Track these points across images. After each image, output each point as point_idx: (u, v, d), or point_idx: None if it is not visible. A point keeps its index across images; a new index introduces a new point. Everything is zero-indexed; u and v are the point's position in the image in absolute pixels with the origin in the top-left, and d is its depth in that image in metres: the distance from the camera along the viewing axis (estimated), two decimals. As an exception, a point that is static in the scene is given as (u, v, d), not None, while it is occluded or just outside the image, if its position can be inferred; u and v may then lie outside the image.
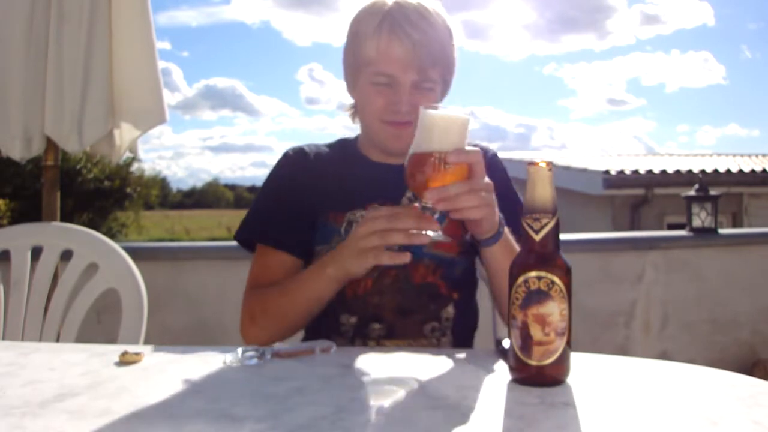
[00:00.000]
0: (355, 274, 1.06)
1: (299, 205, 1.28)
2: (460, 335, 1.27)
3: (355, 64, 1.25)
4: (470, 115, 0.99)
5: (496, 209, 1.06)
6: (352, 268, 1.05)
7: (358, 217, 1.24)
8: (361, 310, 1.23)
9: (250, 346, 0.99)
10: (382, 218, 1.00)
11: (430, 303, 1.24)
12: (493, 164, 1.29)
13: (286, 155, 1.35)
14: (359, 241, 1.02)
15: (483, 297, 1.46)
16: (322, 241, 1.26)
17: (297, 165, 1.33)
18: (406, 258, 1.01)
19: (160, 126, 2.33)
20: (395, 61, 1.18)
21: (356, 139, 1.38)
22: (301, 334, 1.38)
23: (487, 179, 1.02)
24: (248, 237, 1.31)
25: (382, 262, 1.02)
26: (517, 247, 1.09)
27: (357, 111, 1.33)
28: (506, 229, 1.13)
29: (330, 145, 1.38)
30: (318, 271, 1.13)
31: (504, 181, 1.30)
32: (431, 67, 1.20)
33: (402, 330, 1.22)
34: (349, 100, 1.35)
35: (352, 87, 1.30)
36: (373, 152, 1.33)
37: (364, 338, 1.23)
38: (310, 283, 1.15)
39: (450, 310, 1.25)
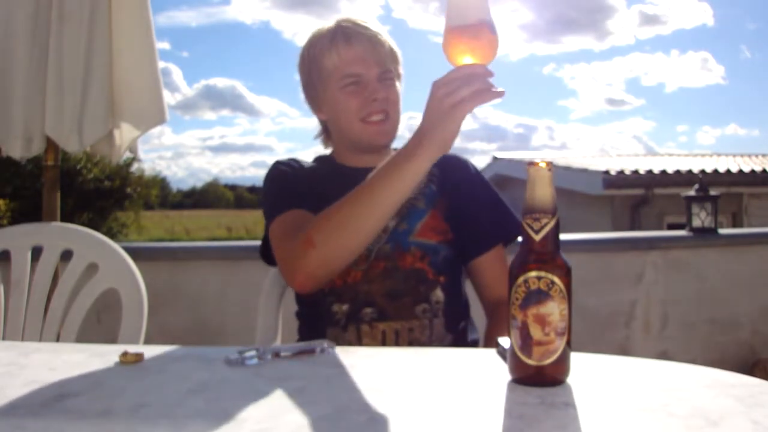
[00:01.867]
0: (452, 137, 1.01)
1: (302, 188, 1.33)
2: (451, 318, 1.30)
3: (320, 81, 1.34)
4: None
5: None
6: (447, 130, 1.00)
7: None
8: (352, 298, 1.26)
9: (250, 346, 0.98)
10: (457, 80, 0.97)
11: (419, 285, 1.28)
12: (466, 171, 1.41)
13: (277, 163, 1.41)
14: (444, 100, 0.98)
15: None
16: None
17: (289, 167, 1.39)
18: (500, 94, 0.98)
19: (160, 126, 2.34)
20: (357, 60, 1.30)
21: (330, 154, 1.46)
22: (297, 335, 1.39)
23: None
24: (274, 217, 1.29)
25: (482, 103, 0.97)
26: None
27: (328, 130, 1.42)
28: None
29: (311, 161, 1.46)
30: (399, 161, 1.06)
31: (477, 182, 1.42)
32: (389, 59, 1.34)
33: (394, 312, 1.26)
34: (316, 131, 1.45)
35: (320, 106, 1.38)
36: (350, 158, 1.39)
37: (357, 322, 1.25)
38: (394, 173, 1.06)
39: (439, 294, 1.28)
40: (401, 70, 1.39)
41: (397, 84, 1.36)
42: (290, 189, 1.34)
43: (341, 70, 1.30)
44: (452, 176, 1.38)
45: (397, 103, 1.35)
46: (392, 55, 1.36)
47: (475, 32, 1.00)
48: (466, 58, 1.01)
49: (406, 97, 1.41)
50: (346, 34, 1.31)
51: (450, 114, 0.98)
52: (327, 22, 1.38)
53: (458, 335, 1.31)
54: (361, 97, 1.30)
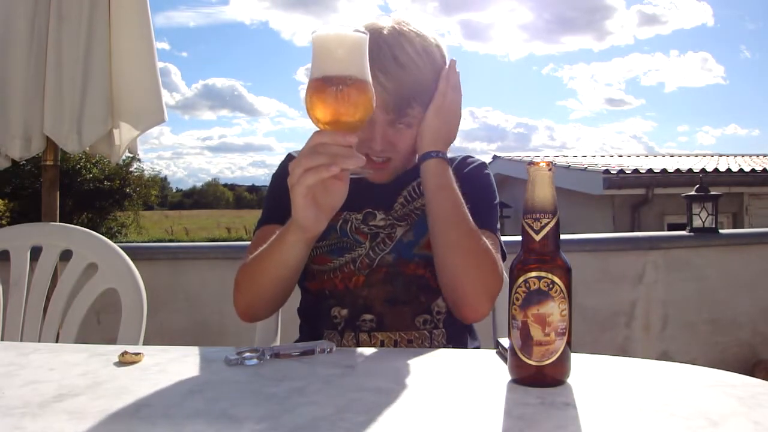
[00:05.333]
0: (304, 221, 0.98)
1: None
2: (452, 330, 1.28)
3: None
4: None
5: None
6: (298, 215, 0.97)
7: (352, 218, 1.26)
8: (351, 303, 1.25)
9: (250, 346, 0.98)
10: (301, 158, 0.92)
11: (420, 294, 1.25)
12: (474, 177, 1.34)
13: (288, 155, 1.39)
14: (293, 189, 0.95)
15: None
16: (319, 238, 1.27)
17: None
18: (356, 162, 0.91)
19: (159, 126, 2.34)
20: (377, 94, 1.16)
21: None
22: (298, 335, 1.39)
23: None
24: (257, 228, 1.31)
25: (324, 177, 0.91)
26: (452, 184, 1.16)
27: None
28: (445, 164, 1.18)
29: None
30: (280, 234, 1.07)
31: (479, 189, 1.32)
32: (408, 106, 1.18)
33: (393, 321, 1.24)
34: None
35: None
36: None
37: (356, 330, 1.24)
38: (275, 245, 1.08)
39: (441, 304, 1.26)
40: (430, 96, 1.21)
41: (415, 126, 1.21)
42: (277, 200, 1.28)
43: None
44: (464, 185, 1.28)
45: (409, 146, 1.24)
46: (420, 94, 1.19)
47: (324, 89, 0.90)
48: (320, 118, 0.92)
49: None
50: (393, 56, 1.16)
51: (292, 190, 0.94)
52: (363, 23, 1.20)
53: (459, 346, 1.29)
54: (363, 137, 1.18)
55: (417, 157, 1.26)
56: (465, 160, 1.39)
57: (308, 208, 0.96)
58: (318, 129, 0.94)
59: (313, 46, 0.94)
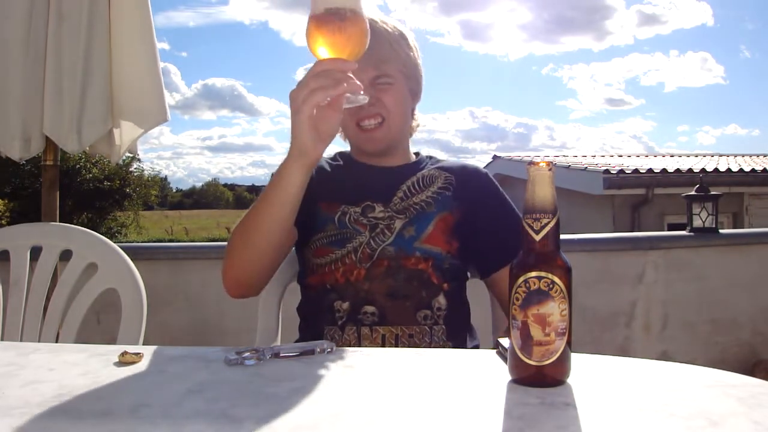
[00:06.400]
0: (307, 143, 1.04)
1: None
2: (452, 327, 1.29)
3: None
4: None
5: None
6: (301, 137, 1.03)
7: (351, 211, 1.28)
8: (353, 296, 1.26)
9: (250, 346, 0.98)
10: (308, 80, 0.99)
11: (421, 289, 1.27)
12: (485, 184, 1.40)
13: None
14: (293, 100, 1.02)
15: (481, 297, 1.46)
16: (316, 230, 1.31)
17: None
18: (345, 89, 0.99)
19: (159, 126, 2.34)
20: None
21: (350, 150, 1.47)
22: (297, 335, 1.38)
23: None
24: None
25: (331, 95, 0.99)
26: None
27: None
28: None
29: (328, 156, 1.47)
30: (280, 167, 1.11)
31: (497, 198, 1.39)
32: (382, 62, 1.30)
33: (394, 315, 1.25)
34: None
35: None
36: (364, 157, 1.41)
37: (358, 324, 1.24)
38: (274, 180, 1.12)
39: (441, 300, 1.27)
40: (410, 72, 1.35)
41: (397, 86, 1.33)
42: None
43: None
44: (471, 187, 1.37)
45: (397, 106, 1.33)
46: (392, 54, 1.31)
47: (324, 23, 0.99)
48: (321, 50, 1.00)
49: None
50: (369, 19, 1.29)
51: (295, 114, 1.02)
52: None
53: (458, 343, 1.30)
54: None
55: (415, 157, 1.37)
56: (477, 171, 1.43)
57: (310, 130, 1.02)
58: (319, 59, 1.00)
59: None
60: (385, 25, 1.33)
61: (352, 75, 1.00)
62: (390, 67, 1.31)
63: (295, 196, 1.11)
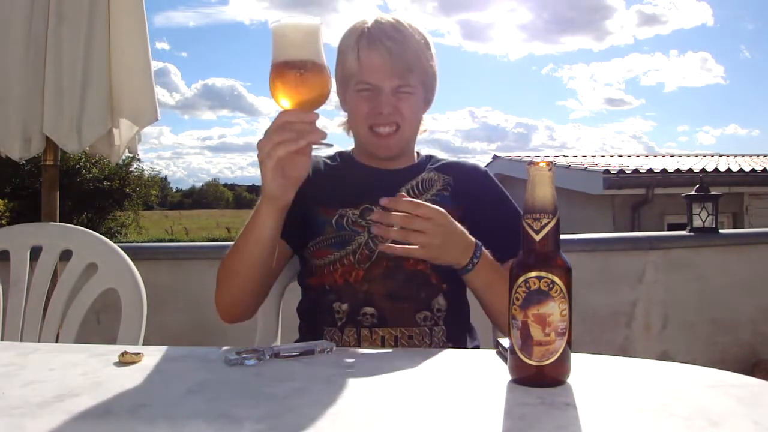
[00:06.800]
0: (275, 190, 1.07)
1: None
2: (452, 328, 1.29)
3: (343, 78, 1.35)
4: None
5: (444, 250, 1.13)
6: (269, 185, 1.06)
7: (350, 214, 1.27)
8: (352, 297, 1.26)
9: (250, 346, 0.98)
10: (271, 134, 1.01)
11: (420, 290, 1.27)
12: (483, 181, 1.41)
13: None
14: (259, 151, 1.04)
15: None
16: (314, 234, 1.31)
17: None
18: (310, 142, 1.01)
19: (159, 126, 2.41)
20: (374, 70, 1.28)
21: (351, 150, 1.46)
22: (298, 335, 1.38)
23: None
24: None
25: (292, 150, 1.01)
26: (499, 272, 1.18)
27: (349, 123, 1.42)
28: (484, 254, 1.19)
29: (328, 156, 1.46)
30: (254, 212, 1.16)
31: (497, 195, 1.40)
32: (408, 72, 1.30)
33: (394, 317, 1.25)
34: (343, 115, 1.44)
35: (343, 100, 1.40)
36: (366, 158, 1.40)
37: (357, 326, 1.24)
38: (249, 224, 1.16)
39: (441, 301, 1.28)
40: (428, 81, 1.35)
41: (417, 95, 1.33)
42: None
43: (359, 76, 1.30)
44: (469, 186, 1.37)
45: (413, 115, 1.33)
46: (417, 64, 1.31)
47: (285, 74, 0.99)
48: (283, 101, 1.01)
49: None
50: (370, 40, 1.28)
51: (262, 164, 1.04)
52: (365, 16, 1.35)
53: (458, 344, 1.30)
54: (372, 104, 1.29)
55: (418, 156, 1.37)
56: (475, 168, 1.44)
57: (277, 178, 1.05)
58: (281, 110, 1.03)
59: (273, 35, 1.02)
60: (413, 32, 1.32)
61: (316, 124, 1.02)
62: (413, 77, 1.31)
63: (269, 237, 1.14)
